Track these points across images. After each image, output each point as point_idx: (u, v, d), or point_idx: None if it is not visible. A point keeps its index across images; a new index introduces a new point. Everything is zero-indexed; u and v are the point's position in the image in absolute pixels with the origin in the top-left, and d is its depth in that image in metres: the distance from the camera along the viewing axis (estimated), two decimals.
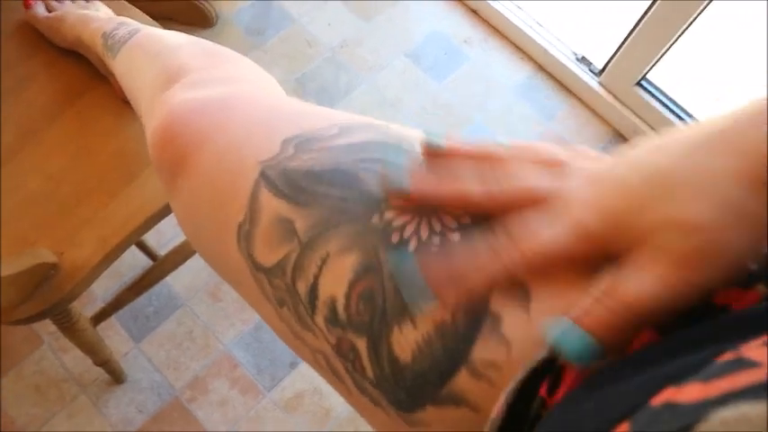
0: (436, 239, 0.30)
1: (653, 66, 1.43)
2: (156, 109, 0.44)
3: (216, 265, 0.40)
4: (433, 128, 1.48)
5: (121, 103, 0.82)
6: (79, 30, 0.78)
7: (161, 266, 1.05)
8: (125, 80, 0.60)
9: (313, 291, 0.31)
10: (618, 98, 1.52)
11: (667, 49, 1.37)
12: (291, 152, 0.35)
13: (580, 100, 1.57)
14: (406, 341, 0.29)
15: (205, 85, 0.43)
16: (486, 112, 1.53)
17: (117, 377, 1.16)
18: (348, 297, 0.31)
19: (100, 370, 1.12)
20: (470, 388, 0.28)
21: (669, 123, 1.45)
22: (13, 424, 1.13)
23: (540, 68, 1.60)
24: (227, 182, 0.36)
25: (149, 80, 0.50)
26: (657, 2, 1.29)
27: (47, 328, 1.20)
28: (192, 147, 0.39)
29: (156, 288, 1.06)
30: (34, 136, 0.81)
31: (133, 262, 1.26)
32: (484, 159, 0.31)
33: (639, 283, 0.25)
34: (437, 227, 0.30)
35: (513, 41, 1.62)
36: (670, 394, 0.19)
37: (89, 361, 1.07)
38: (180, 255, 1.05)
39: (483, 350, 0.28)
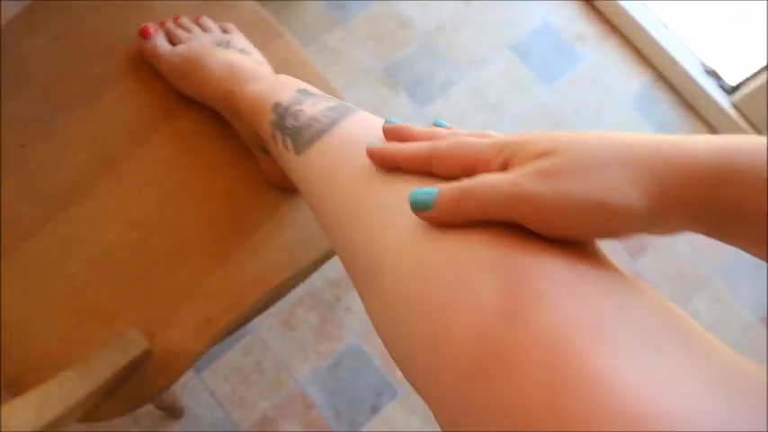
0: None
1: None
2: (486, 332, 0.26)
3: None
4: None
5: (229, 128, 0.64)
6: (231, 85, 0.56)
7: None
8: (313, 199, 0.42)
9: None
10: (751, 122, 1.32)
11: None
12: None
13: (705, 120, 1.37)
14: None
15: None
16: (599, 125, 1.33)
17: (176, 414, 1.02)
18: None
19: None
20: None
21: None
22: None
23: (662, 77, 1.40)
24: None
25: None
26: None
27: None
28: None
29: None
30: (111, 167, 0.63)
31: None
32: (431, 135, 0.38)
33: (490, 178, 0.30)
34: None
35: (634, 43, 1.41)
36: None
37: None
38: None
39: None
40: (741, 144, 0.27)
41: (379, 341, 0.98)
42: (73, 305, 0.59)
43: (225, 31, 0.66)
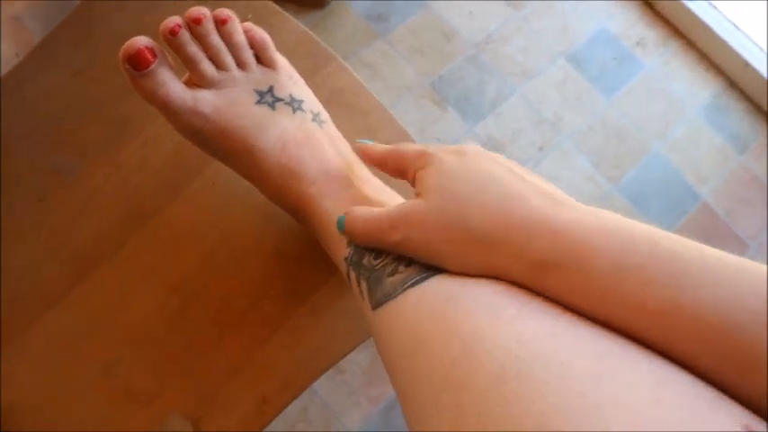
0: None
1: None
2: None
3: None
4: (601, 157, 1.19)
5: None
6: (298, 186, 0.43)
7: None
8: (397, 374, 0.30)
9: None
10: None
11: None
12: None
13: None
14: None
15: None
16: (666, 140, 1.22)
17: None
18: None
19: None
20: None
21: None
22: None
23: (732, 84, 1.28)
24: None
25: None
26: None
27: None
28: None
29: None
30: (143, 222, 0.55)
31: None
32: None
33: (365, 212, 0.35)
34: None
35: (700, 47, 1.30)
36: None
37: None
38: None
39: None
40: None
41: None
42: (104, 386, 0.51)
43: (265, 62, 0.45)
